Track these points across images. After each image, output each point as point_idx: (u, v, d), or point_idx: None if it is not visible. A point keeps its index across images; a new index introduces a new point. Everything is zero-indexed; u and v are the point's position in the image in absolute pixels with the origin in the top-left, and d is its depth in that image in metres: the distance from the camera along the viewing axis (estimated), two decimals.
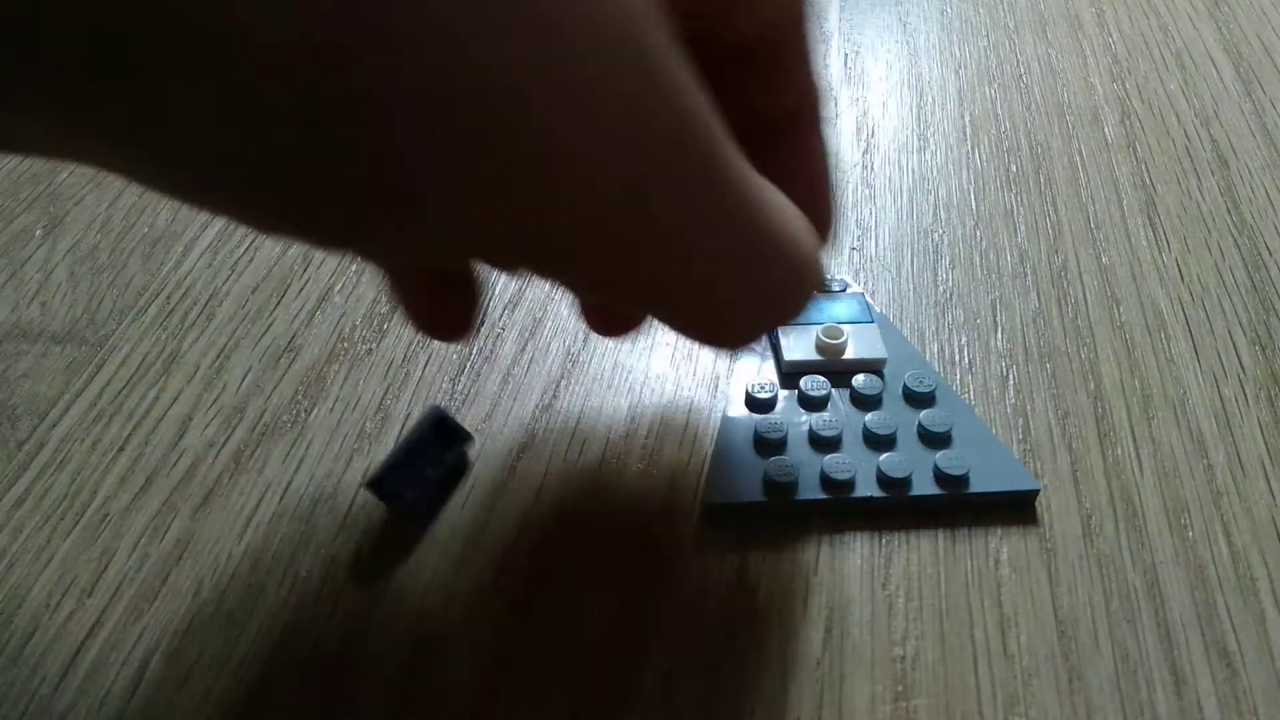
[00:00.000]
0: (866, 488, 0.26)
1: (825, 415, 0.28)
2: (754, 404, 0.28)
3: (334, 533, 0.26)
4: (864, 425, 0.27)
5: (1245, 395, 0.29)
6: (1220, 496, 0.27)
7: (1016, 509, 0.26)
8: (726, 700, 0.23)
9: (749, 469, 0.27)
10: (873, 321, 0.30)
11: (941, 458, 0.26)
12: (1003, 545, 0.26)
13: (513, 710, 0.22)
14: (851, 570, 0.25)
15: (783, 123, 0.20)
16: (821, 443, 0.27)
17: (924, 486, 0.26)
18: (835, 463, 0.26)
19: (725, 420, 0.28)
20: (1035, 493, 0.26)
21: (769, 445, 0.27)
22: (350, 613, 0.24)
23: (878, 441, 0.27)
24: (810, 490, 0.26)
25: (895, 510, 0.26)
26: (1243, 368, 0.30)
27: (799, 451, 0.27)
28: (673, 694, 0.23)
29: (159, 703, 0.23)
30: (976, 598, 0.25)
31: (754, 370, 0.29)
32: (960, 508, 0.26)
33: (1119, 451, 0.28)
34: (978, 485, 0.26)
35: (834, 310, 0.30)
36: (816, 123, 0.21)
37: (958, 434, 0.27)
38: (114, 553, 0.25)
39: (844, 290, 0.31)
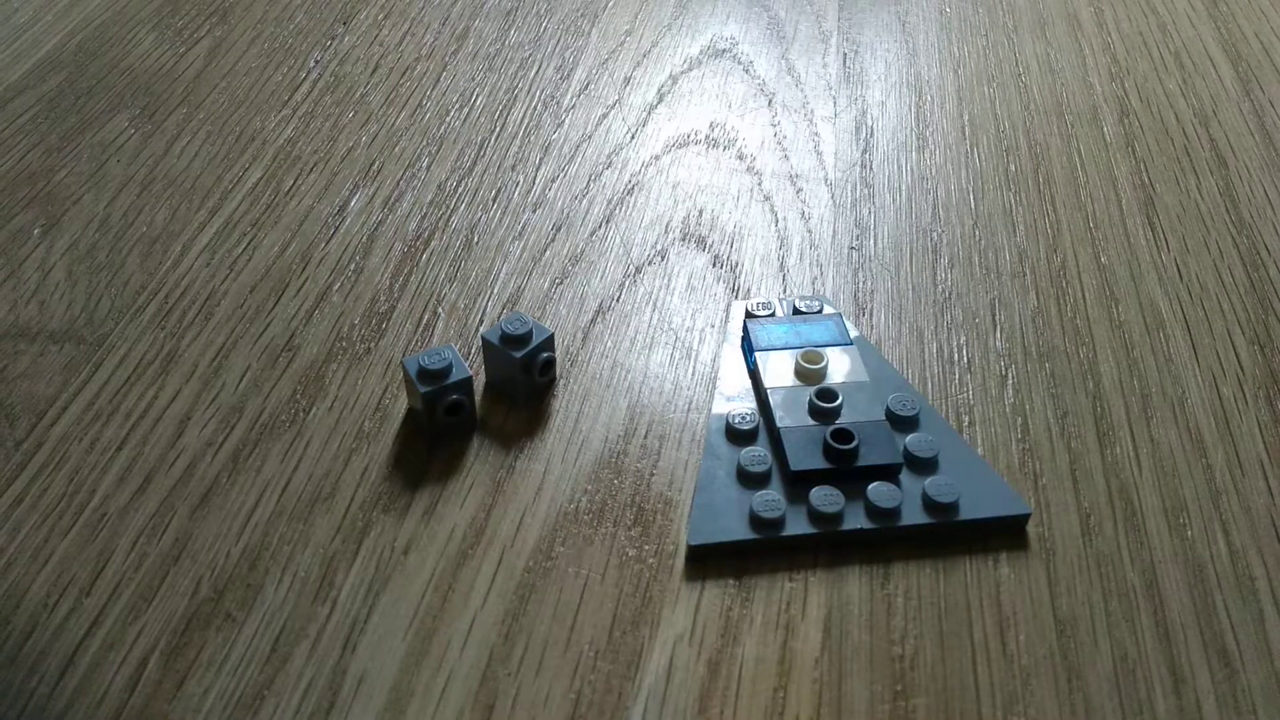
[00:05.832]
0: (855, 519, 0.26)
1: None
2: (735, 436, 0.28)
3: (334, 533, 0.26)
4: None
5: (1244, 395, 0.29)
6: (1219, 496, 0.27)
7: (1008, 532, 0.26)
8: (726, 699, 0.23)
9: (733, 505, 0.26)
10: (851, 343, 0.29)
11: (930, 485, 0.26)
12: (1002, 545, 0.26)
13: (513, 708, 0.22)
14: (851, 570, 0.25)
15: None
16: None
17: (914, 515, 0.26)
18: (822, 496, 0.26)
19: (706, 451, 0.27)
20: (1026, 516, 0.26)
21: (753, 479, 0.27)
22: (350, 612, 0.24)
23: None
24: (798, 525, 0.26)
25: (886, 541, 0.26)
26: (1241, 367, 0.30)
27: (785, 484, 0.26)
28: (673, 692, 0.23)
29: (158, 702, 0.23)
30: (975, 597, 0.25)
31: (733, 396, 0.28)
32: (951, 536, 0.26)
33: (1118, 451, 0.28)
34: (968, 512, 0.26)
35: (811, 333, 0.30)
36: None
37: (944, 458, 0.27)
38: (112, 552, 0.25)
39: (819, 311, 0.31)
